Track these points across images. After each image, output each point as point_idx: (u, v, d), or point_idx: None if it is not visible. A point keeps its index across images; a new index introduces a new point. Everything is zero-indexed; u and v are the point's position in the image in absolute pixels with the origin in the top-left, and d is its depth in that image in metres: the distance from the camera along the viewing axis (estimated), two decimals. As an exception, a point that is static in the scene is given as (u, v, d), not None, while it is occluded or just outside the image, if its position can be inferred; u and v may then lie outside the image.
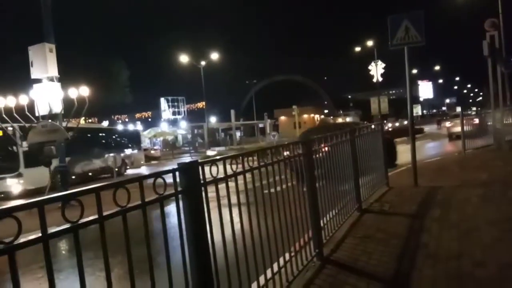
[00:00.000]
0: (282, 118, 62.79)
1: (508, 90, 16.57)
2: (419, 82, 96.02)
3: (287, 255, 3.47)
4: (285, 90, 75.50)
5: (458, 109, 62.08)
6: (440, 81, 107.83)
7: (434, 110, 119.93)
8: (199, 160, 2.56)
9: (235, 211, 2.88)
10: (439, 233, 4.69)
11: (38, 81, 11.51)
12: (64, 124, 11.52)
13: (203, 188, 2.51)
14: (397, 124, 40.42)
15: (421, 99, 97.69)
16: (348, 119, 55.02)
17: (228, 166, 2.85)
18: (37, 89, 11.35)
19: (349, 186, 5.61)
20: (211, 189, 2.59)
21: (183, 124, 60.17)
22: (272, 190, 3.44)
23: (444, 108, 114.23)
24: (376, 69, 27.28)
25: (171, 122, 62.97)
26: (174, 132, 57.74)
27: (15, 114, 10.75)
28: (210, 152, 35.87)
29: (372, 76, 27.70)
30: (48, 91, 11.22)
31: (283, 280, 3.31)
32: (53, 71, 11.41)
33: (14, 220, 1.45)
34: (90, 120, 47.14)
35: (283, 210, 3.48)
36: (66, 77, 13.76)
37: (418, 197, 6.65)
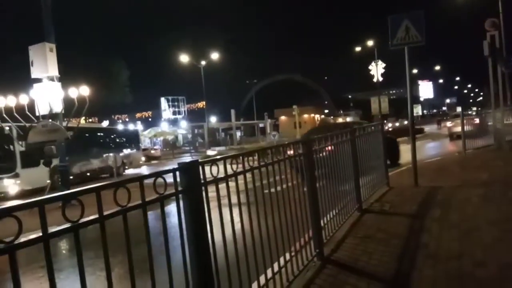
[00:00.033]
0: (283, 118, 62.80)
1: (509, 90, 16.57)
2: (420, 82, 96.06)
3: (287, 255, 3.47)
4: (285, 90, 75.53)
5: (459, 109, 62.11)
6: (441, 81, 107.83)
7: (435, 110, 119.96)
8: (200, 160, 2.56)
9: (236, 210, 2.88)
10: (440, 233, 4.69)
11: (38, 80, 11.51)
12: (64, 123, 11.52)
13: (203, 188, 2.51)
14: (397, 124, 40.40)
15: (421, 99, 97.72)
16: (348, 119, 54.98)
17: (228, 166, 2.85)
18: (37, 89, 11.35)
19: (349, 186, 5.61)
20: (211, 189, 2.59)
21: (184, 124, 60.18)
22: (273, 189, 3.44)
23: (444, 108, 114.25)
24: (377, 69, 27.31)
25: (171, 121, 62.98)
26: (174, 131, 57.75)
27: (15, 114, 10.74)
28: (210, 152, 35.90)
29: (373, 76, 27.73)
30: (48, 91, 11.21)
31: (283, 280, 3.31)
32: (54, 71, 11.40)
33: (15, 219, 1.45)
34: (90, 120, 47.14)
35: (283, 210, 3.48)
36: (67, 76, 13.77)
37: (419, 197, 6.65)
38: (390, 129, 29.07)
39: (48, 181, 15.56)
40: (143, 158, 30.86)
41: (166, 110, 65.43)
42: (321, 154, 4.54)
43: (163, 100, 65.37)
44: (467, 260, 3.75)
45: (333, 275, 3.74)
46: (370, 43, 34.42)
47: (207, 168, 2.57)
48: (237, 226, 2.84)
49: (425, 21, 7.62)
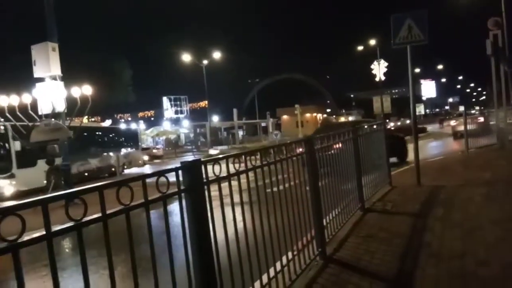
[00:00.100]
0: (285, 117, 62.85)
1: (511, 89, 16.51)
2: (422, 81, 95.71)
3: (290, 254, 3.47)
4: (287, 89, 75.49)
5: (461, 108, 61.90)
6: (443, 80, 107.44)
7: (437, 109, 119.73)
8: (202, 159, 2.56)
9: (238, 210, 2.88)
10: (442, 232, 4.68)
11: (41, 80, 11.53)
12: (67, 123, 11.55)
13: (206, 187, 2.51)
14: (399, 123, 40.33)
15: (424, 98, 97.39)
16: (350, 118, 54.95)
17: (230, 165, 2.85)
18: (40, 88, 11.37)
19: (352, 185, 5.61)
20: (213, 188, 2.59)
21: (186, 123, 60.24)
22: (275, 189, 3.44)
23: (447, 107, 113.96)
24: (379, 68, 27.24)
25: (173, 121, 63.04)
26: (176, 131, 57.83)
27: (18, 113, 10.77)
28: (212, 151, 35.95)
29: (375, 75, 27.66)
30: (51, 90, 11.24)
31: (286, 279, 3.31)
32: (56, 70, 11.43)
33: (18, 218, 1.45)
34: (93, 119, 47.23)
35: (285, 209, 3.48)
36: (69, 76, 13.76)
37: (421, 196, 6.64)
38: (391, 128, 29.03)
39: (45, 181, 15.56)
40: (146, 157, 30.78)
41: (168, 109, 65.54)
42: (323, 153, 4.54)
43: (165, 100, 65.46)
44: (470, 259, 3.74)
45: (336, 274, 3.74)
46: (372, 42, 34.35)
47: (209, 167, 2.57)
48: (240, 225, 2.85)
49: (428, 20, 7.61)
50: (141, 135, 47.71)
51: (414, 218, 5.43)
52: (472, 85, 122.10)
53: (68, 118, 11.81)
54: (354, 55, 53.08)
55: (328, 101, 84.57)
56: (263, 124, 61.95)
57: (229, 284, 2.63)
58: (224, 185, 2.74)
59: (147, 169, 24.56)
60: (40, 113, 11.18)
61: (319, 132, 11.58)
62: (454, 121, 24.58)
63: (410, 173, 8.68)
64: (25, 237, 1.48)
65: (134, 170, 23.51)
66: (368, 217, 5.66)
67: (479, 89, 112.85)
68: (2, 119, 10.92)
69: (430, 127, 40.15)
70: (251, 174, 3.11)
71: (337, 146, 5.05)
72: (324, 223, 4.24)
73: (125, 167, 23.11)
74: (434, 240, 4.44)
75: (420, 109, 70.60)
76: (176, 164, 2.40)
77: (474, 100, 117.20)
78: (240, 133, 59.79)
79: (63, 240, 6.64)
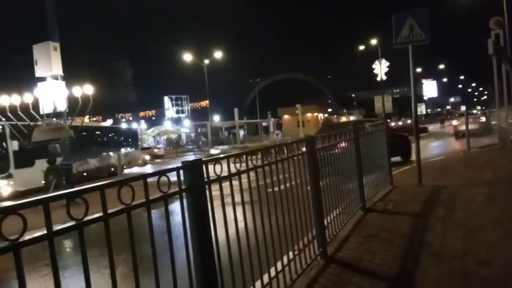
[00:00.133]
0: (286, 116, 62.81)
1: (513, 89, 16.46)
2: (423, 80, 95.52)
3: (291, 254, 3.47)
4: (288, 89, 75.42)
5: (463, 108, 61.80)
6: (445, 79, 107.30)
7: (439, 109, 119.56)
8: (203, 159, 2.56)
9: (239, 209, 2.88)
10: (444, 232, 4.67)
11: (42, 79, 11.55)
12: (68, 122, 11.56)
13: (207, 187, 2.51)
14: (400, 123, 40.30)
15: (425, 98, 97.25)
16: (351, 118, 54.92)
17: (232, 165, 2.85)
18: (41, 88, 11.39)
19: (353, 185, 5.60)
20: (215, 188, 2.59)
21: (187, 123, 60.28)
22: (276, 188, 3.44)
23: (448, 107, 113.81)
24: (380, 68, 27.26)
25: (174, 120, 63.07)
26: (177, 130, 57.86)
27: (19, 112, 10.79)
28: (213, 151, 35.94)
29: (376, 75, 27.66)
30: (52, 90, 11.25)
31: (287, 279, 3.31)
32: (58, 70, 11.44)
33: (19, 217, 1.45)
34: (94, 119, 47.25)
35: (287, 209, 3.48)
36: (71, 75, 13.78)
37: (422, 196, 6.63)
38: (392, 128, 29.01)
39: (43, 181, 15.51)
40: (147, 157, 30.76)
41: (169, 109, 65.55)
42: (325, 153, 4.54)
43: (166, 99, 65.48)
44: (471, 259, 3.74)
45: (337, 274, 3.74)
46: (374, 41, 34.30)
47: (210, 167, 2.57)
48: (241, 224, 2.85)
49: (429, 20, 7.59)
50: (142, 135, 47.80)
51: (416, 218, 5.43)
52: (473, 84, 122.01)
53: (69, 118, 11.83)
54: (355, 54, 52.99)
55: (329, 101, 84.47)
56: (264, 124, 61.94)
57: (230, 284, 2.63)
58: (225, 184, 2.74)
59: (148, 169, 24.53)
60: (41, 112, 11.20)
61: (322, 132, 11.62)
62: (456, 120, 24.57)
63: (412, 173, 8.67)
64: (27, 236, 1.48)
65: (135, 170, 23.50)
66: (369, 217, 5.65)
67: (481, 88, 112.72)
68: (3, 119, 10.91)
69: (431, 127, 40.10)
70: (252, 173, 3.11)
71: (342, 145, 5.05)
72: (325, 223, 4.24)
73: (125, 167, 22.88)
74: (436, 240, 4.43)
75: (422, 109, 70.48)
76: (177, 163, 2.40)
77: (475, 99, 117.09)
78: (241, 132, 59.81)
79: (64, 239, 6.64)
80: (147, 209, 2.11)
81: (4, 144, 15.22)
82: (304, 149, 4.05)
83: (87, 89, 10.85)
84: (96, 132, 23.68)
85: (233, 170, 2.86)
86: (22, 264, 1.46)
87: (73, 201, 1.74)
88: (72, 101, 11.39)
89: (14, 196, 14.31)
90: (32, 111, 10.96)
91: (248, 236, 2.91)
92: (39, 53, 11.38)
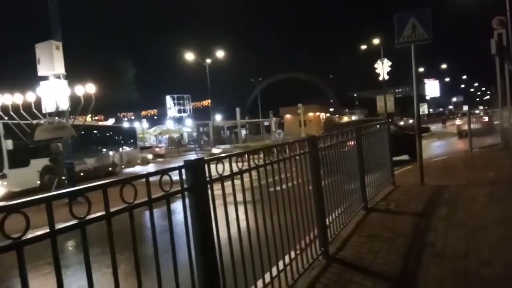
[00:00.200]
0: (288, 116, 62.74)
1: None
2: (426, 80, 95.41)
3: (292, 253, 3.46)
4: (290, 88, 75.46)
5: (465, 107, 61.69)
6: (447, 79, 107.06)
7: (441, 109, 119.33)
8: (205, 158, 2.56)
9: (241, 209, 2.88)
10: (446, 232, 4.67)
11: (44, 78, 11.57)
12: (70, 121, 11.59)
13: (209, 186, 2.51)
14: (401, 122, 40.23)
15: (427, 97, 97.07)
16: (353, 118, 54.86)
17: (233, 164, 2.85)
18: (44, 87, 11.41)
19: (355, 184, 5.60)
20: (216, 187, 2.59)
21: (189, 122, 60.36)
22: (278, 188, 3.43)
23: (451, 107, 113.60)
24: (382, 67, 27.18)
25: (176, 119, 63.15)
26: (179, 130, 57.95)
27: (22, 111, 10.81)
28: (215, 150, 35.93)
29: (378, 74, 27.60)
30: (54, 89, 11.28)
31: (288, 278, 3.31)
32: (60, 69, 11.46)
33: (22, 216, 1.46)
34: (96, 118, 47.36)
35: (288, 208, 3.47)
36: (73, 74, 13.79)
37: (425, 196, 6.62)
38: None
39: (38, 182, 15.37)
40: (150, 156, 30.74)
41: (171, 108, 65.64)
42: (327, 152, 4.53)
43: (168, 98, 65.57)
44: (473, 259, 3.73)
45: (339, 273, 3.73)
46: (376, 41, 34.20)
47: (212, 166, 2.57)
48: (243, 224, 2.84)
49: (432, 19, 7.57)
50: (144, 134, 47.84)
51: (418, 217, 5.42)
52: (476, 84, 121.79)
53: (71, 117, 11.85)
54: (357, 54, 52.94)
55: (331, 100, 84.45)
56: (266, 123, 61.95)
57: (232, 283, 2.63)
58: (227, 184, 2.74)
59: (150, 168, 24.52)
60: (44, 111, 11.22)
61: (327, 131, 11.61)
62: (459, 120, 24.58)
63: (414, 172, 8.65)
64: (29, 235, 1.49)
65: (137, 169, 23.47)
66: (371, 216, 5.64)
67: (483, 88, 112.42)
68: (5, 118, 10.93)
69: (433, 127, 40.01)
70: (254, 173, 3.11)
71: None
72: (327, 223, 4.24)
73: (123, 166, 22.70)
74: (438, 239, 4.43)
75: (424, 109, 70.23)
76: (179, 163, 2.40)
77: (478, 99, 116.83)
78: (243, 132, 59.88)
79: (66, 238, 6.66)
80: (150, 208, 2.11)
81: None
82: (306, 148, 4.05)
83: (89, 88, 10.86)
84: (94, 131, 22.94)
85: (235, 169, 2.86)
86: (24, 262, 1.46)
87: (75, 200, 1.74)
88: (74, 100, 11.41)
89: (8, 197, 13.55)
90: (34, 110, 10.98)
91: (250, 235, 2.91)
92: (41, 52, 11.41)
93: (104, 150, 21.66)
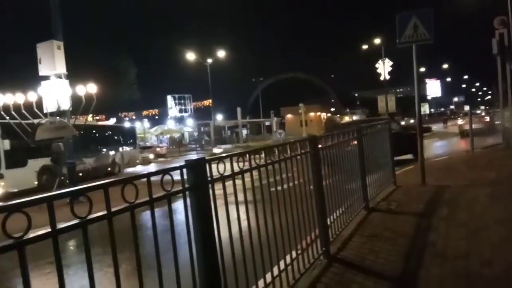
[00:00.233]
0: (289, 116, 62.71)
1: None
2: (427, 80, 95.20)
3: (293, 253, 3.46)
4: (291, 88, 75.45)
5: (466, 107, 61.63)
6: (448, 79, 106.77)
7: (442, 109, 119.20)
8: (206, 158, 2.56)
9: (242, 208, 2.88)
10: (447, 232, 4.66)
11: (46, 78, 11.58)
12: (72, 121, 11.61)
13: (210, 186, 2.51)
14: (402, 122, 40.18)
15: (429, 97, 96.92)
16: (354, 117, 54.82)
17: (235, 164, 2.85)
18: (45, 86, 11.43)
19: (356, 184, 5.59)
20: (218, 187, 2.59)
21: (190, 122, 60.39)
22: (279, 187, 3.43)
23: (452, 107, 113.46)
24: (384, 67, 27.15)
25: (177, 119, 63.17)
26: (180, 129, 57.98)
27: (23, 111, 10.83)
28: (216, 150, 35.93)
29: (380, 74, 27.58)
30: (56, 88, 11.30)
31: (289, 278, 3.31)
32: (61, 68, 11.48)
33: (24, 215, 1.46)
34: (97, 118, 47.40)
35: (289, 208, 3.47)
36: (74, 74, 13.79)
37: (426, 196, 6.62)
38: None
39: (36, 182, 15.29)
40: (151, 156, 30.70)
41: (172, 108, 65.64)
42: (328, 152, 4.53)
43: (169, 98, 65.57)
44: (474, 259, 3.73)
45: (340, 273, 3.73)
46: (377, 41, 34.15)
47: (213, 166, 2.57)
48: (244, 223, 2.84)
49: (434, 19, 7.56)
50: (146, 134, 47.85)
51: (419, 217, 5.41)
52: (477, 84, 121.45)
53: (72, 117, 11.86)
54: (358, 54, 52.92)
55: (333, 100, 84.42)
56: (267, 123, 61.94)
57: (233, 282, 2.63)
58: (229, 183, 2.74)
59: (151, 168, 24.49)
60: (45, 111, 11.23)
61: (328, 131, 11.59)
62: (461, 120, 24.62)
63: (415, 172, 8.65)
64: (31, 234, 1.49)
65: (139, 169, 23.45)
66: (372, 216, 5.64)
67: (485, 88, 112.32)
68: (7, 117, 10.94)
69: (435, 127, 40.00)
70: (255, 172, 3.11)
71: (341, 145, 5.03)
72: (328, 222, 4.23)
73: (122, 166, 22.59)
74: (439, 239, 4.42)
75: (425, 109, 70.09)
76: (180, 162, 2.41)
77: (479, 99, 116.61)
78: (244, 132, 59.86)
79: (68, 238, 6.66)
80: (151, 207, 2.11)
81: None
82: (307, 148, 4.05)
83: (90, 88, 10.88)
84: (93, 131, 22.32)
85: (236, 169, 2.86)
86: (26, 262, 1.47)
87: (76, 200, 1.75)
88: (75, 100, 11.42)
89: (6, 197, 13.39)
90: (36, 109, 10.99)
91: (251, 235, 2.90)
92: (43, 52, 11.43)
93: (103, 150, 21.40)
